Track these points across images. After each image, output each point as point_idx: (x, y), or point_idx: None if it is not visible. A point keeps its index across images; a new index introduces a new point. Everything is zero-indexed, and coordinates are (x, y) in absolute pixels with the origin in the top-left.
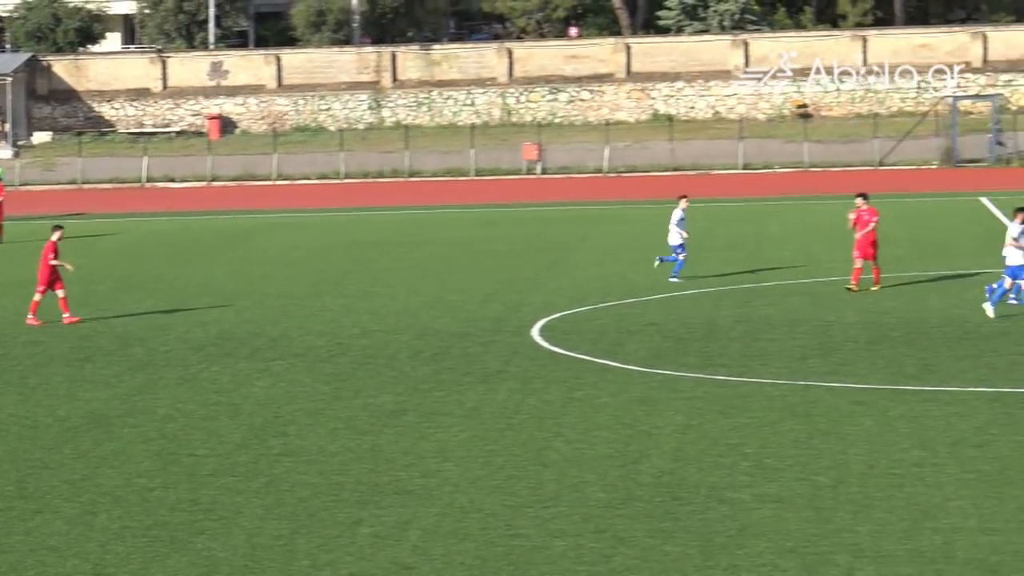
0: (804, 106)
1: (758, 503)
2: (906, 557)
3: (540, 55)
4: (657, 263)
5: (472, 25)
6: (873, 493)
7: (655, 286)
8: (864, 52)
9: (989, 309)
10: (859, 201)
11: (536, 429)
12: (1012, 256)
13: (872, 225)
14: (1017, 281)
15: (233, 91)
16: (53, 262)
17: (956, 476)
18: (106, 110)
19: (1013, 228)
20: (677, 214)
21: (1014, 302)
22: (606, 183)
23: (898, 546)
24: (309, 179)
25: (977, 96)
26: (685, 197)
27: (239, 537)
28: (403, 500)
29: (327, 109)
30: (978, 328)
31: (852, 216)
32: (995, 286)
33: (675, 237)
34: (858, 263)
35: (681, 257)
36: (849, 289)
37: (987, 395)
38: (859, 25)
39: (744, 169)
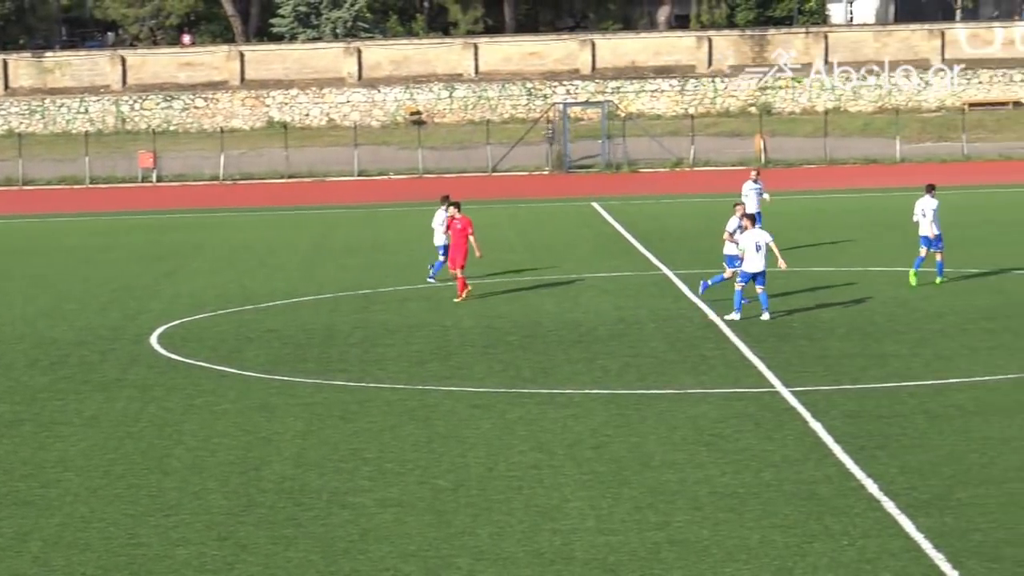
0: (418, 113)
1: (379, 507)
2: (526, 559)
3: (154, 62)
4: None
5: (85, 32)
6: (493, 496)
7: (273, 293)
8: (476, 59)
9: (734, 316)
10: (452, 210)
11: (156, 437)
12: (728, 248)
13: (465, 233)
14: (733, 270)
15: None
16: None
17: (574, 477)
18: None
19: (731, 223)
20: (440, 215)
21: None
22: (222, 190)
23: (518, 548)
24: None
25: (587, 103)
26: (448, 197)
27: None
28: (23, 511)
29: None
30: (592, 331)
31: (450, 224)
32: (710, 282)
33: (440, 238)
34: (455, 272)
35: (439, 259)
36: (469, 295)
37: (602, 397)
38: (470, 33)
39: (359, 176)
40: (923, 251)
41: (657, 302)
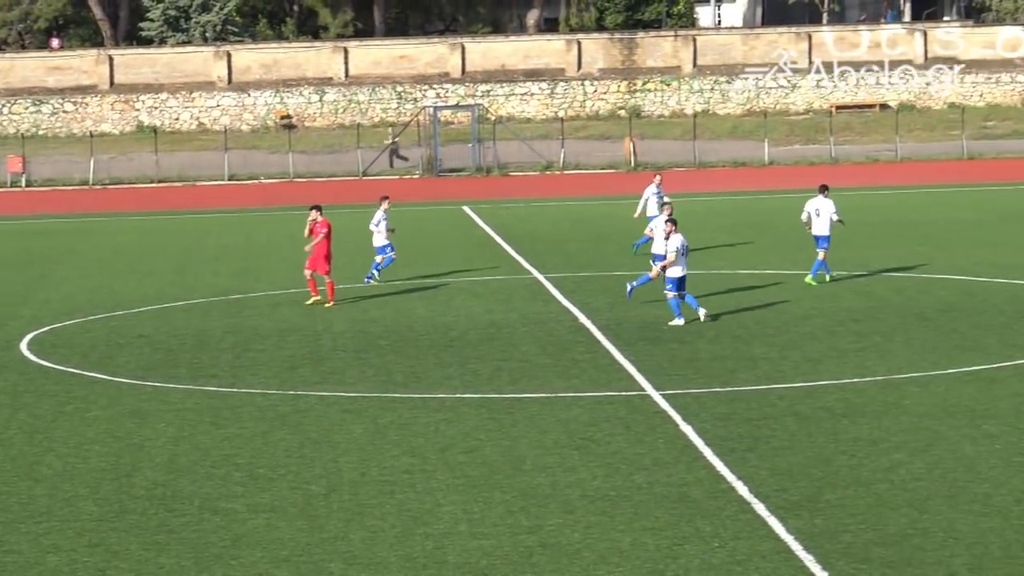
0: (288, 117)
1: (251, 513)
2: (398, 563)
3: (22, 66)
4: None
5: None
6: (365, 500)
7: (144, 298)
8: (346, 63)
9: (678, 322)
10: (314, 213)
11: (26, 444)
12: (659, 246)
13: (321, 237)
14: (658, 268)
15: None
16: None
17: (446, 482)
18: None
19: (658, 221)
20: (378, 215)
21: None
22: (92, 195)
23: (390, 553)
24: None
25: (457, 106)
26: (387, 198)
27: None
28: None
29: None
30: (463, 335)
31: (312, 227)
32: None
33: (379, 239)
34: (307, 273)
35: (389, 256)
36: (318, 303)
37: (473, 401)
38: (340, 36)
39: (230, 180)
40: (821, 253)
41: (528, 306)
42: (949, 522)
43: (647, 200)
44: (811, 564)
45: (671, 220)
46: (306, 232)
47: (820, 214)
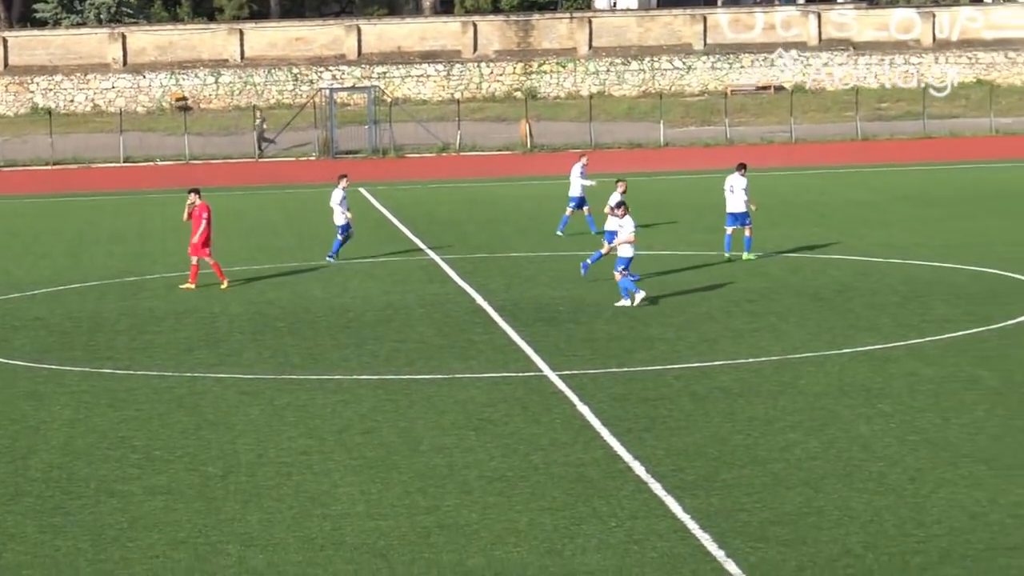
0: (184, 99)
1: (148, 495)
2: (296, 544)
3: None
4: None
5: None
6: (262, 482)
7: (38, 280)
8: (241, 45)
9: (631, 300)
10: (192, 197)
11: None
12: (610, 223)
13: (203, 223)
14: (611, 245)
15: None
16: None
17: (343, 463)
18: None
19: (613, 198)
20: (337, 194)
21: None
22: None
23: (288, 534)
24: None
25: (353, 88)
26: (345, 176)
27: None
28: None
29: None
30: (360, 316)
31: (191, 212)
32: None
33: (340, 218)
34: (194, 260)
35: (341, 237)
36: (188, 287)
37: (371, 382)
38: (236, 18)
39: (125, 162)
40: (729, 229)
41: (425, 287)
42: (844, 500)
43: (573, 179)
44: (708, 543)
45: (623, 203)
46: (185, 216)
47: (734, 191)
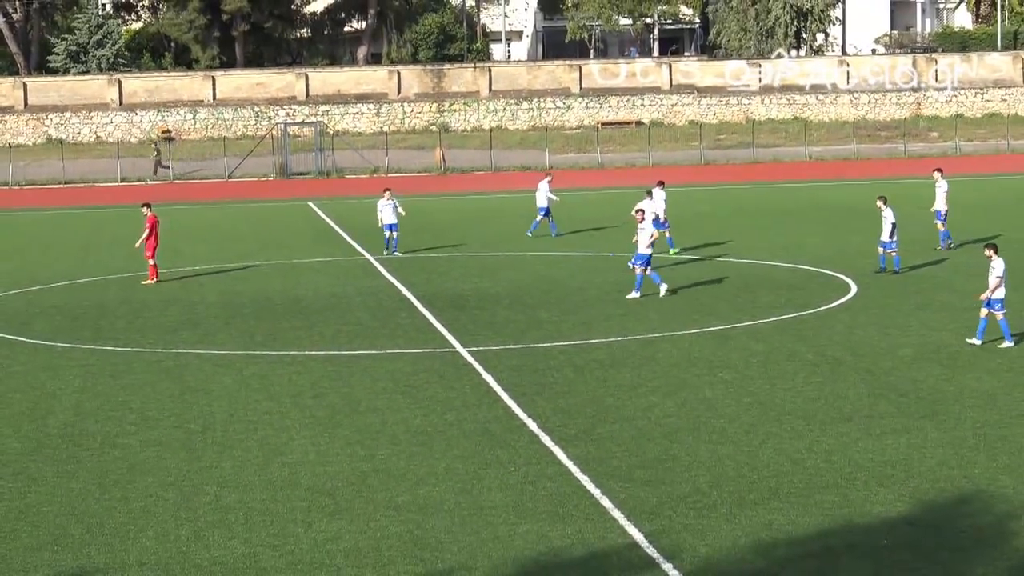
0: (168, 132)
1: (143, 447)
2: (261, 486)
3: None
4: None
5: None
6: (234, 436)
7: (54, 276)
8: (214, 88)
9: (635, 295)
10: (144, 210)
11: None
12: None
13: (147, 232)
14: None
15: None
16: None
17: (298, 421)
18: None
19: (644, 203)
20: (381, 202)
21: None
22: (10, 194)
23: (255, 478)
24: None
25: (303, 123)
26: (389, 190)
27: None
28: None
29: None
30: (311, 304)
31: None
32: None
33: (389, 218)
34: (151, 261)
35: (393, 236)
36: (147, 284)
37: (320, 357)
38: (209, 67)
39: (122, 182)
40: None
41: (362, 281)
42: (694, 449)
43: (539, 193)
44: (587, 483)
45: (641, 211)
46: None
47: (655, 200)
